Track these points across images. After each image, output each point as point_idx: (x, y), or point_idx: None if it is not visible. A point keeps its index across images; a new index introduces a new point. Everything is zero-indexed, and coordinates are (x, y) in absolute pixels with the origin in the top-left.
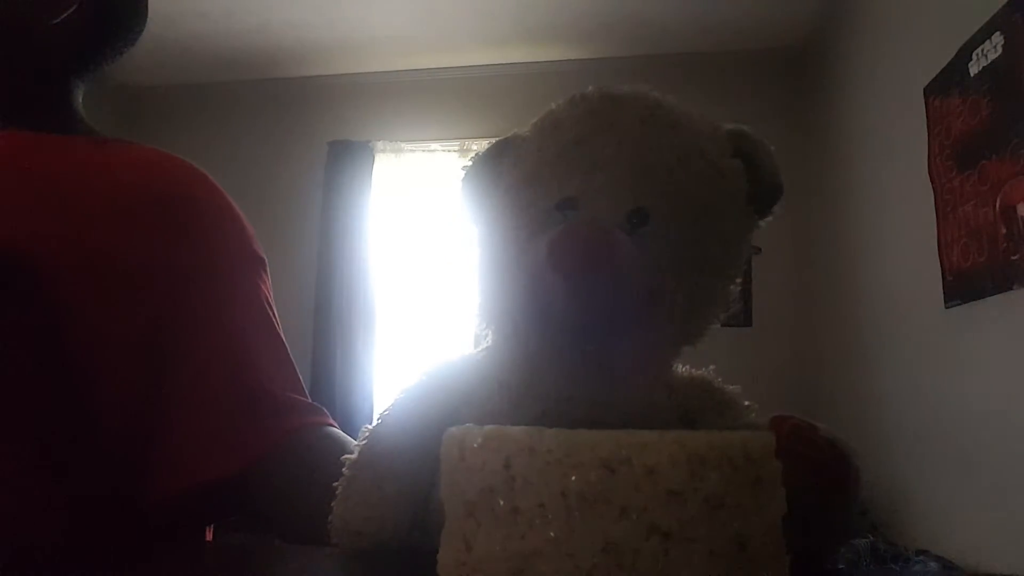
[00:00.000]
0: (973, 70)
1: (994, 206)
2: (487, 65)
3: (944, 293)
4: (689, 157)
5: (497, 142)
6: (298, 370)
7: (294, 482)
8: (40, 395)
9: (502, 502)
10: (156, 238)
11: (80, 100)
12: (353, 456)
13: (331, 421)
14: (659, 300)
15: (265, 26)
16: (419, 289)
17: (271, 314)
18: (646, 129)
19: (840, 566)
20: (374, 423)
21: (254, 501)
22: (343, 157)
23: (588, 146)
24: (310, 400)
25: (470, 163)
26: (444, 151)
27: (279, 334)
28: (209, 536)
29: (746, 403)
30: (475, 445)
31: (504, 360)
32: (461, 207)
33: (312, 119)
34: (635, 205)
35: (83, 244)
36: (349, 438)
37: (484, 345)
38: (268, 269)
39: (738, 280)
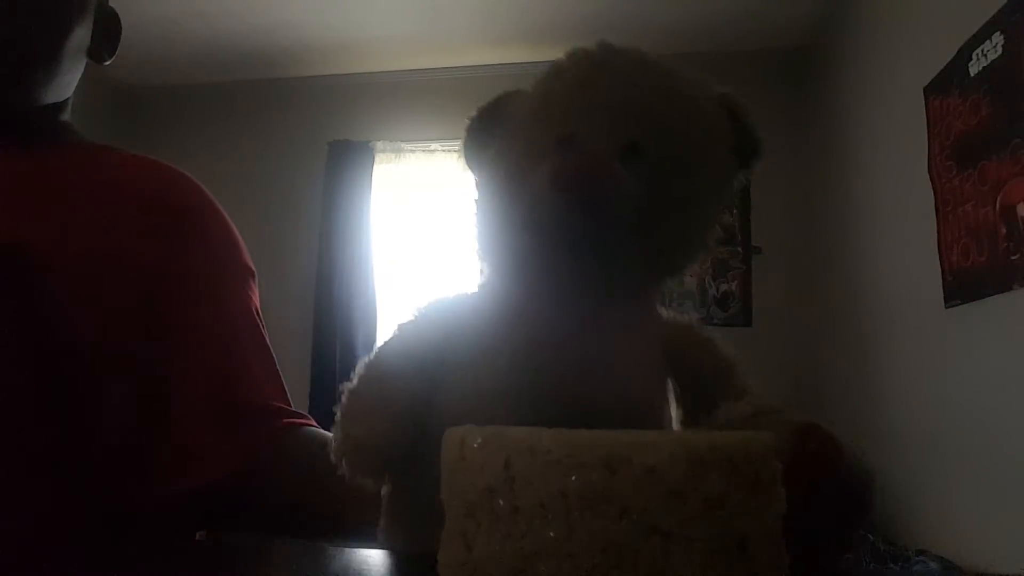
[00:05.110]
0: (973, 70)
1: (994, 206)
2: (487, 65)
3: (944, 293)
4: (680, 101)
5: (498, 96)
6: (283, 378)
7: (283, 480)
8: (37, 396)
9: (502, 502)
10: (151, 245)
11: (69, 108)
12: (353, 383)
13: (312, 423)
14: (649, 225)
15: (265, 26)
16: (419, 289)
17: (259, 324)
18: (642, 74)
19: (840, 566)
20: (372, 355)
21: (243, 505)
22: (343, 157)
23: (588, 88)
24: (293, 407)
25: (474, 114)
26: (444, 151)
27: (267, 344)
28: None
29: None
30: (475, 445)
31: (500, 291)
32: (464, 157)
33: (312, 119)
34: (629, 140)
35: (83, 248)
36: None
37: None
38: (257, 279)
39: (718, 228)
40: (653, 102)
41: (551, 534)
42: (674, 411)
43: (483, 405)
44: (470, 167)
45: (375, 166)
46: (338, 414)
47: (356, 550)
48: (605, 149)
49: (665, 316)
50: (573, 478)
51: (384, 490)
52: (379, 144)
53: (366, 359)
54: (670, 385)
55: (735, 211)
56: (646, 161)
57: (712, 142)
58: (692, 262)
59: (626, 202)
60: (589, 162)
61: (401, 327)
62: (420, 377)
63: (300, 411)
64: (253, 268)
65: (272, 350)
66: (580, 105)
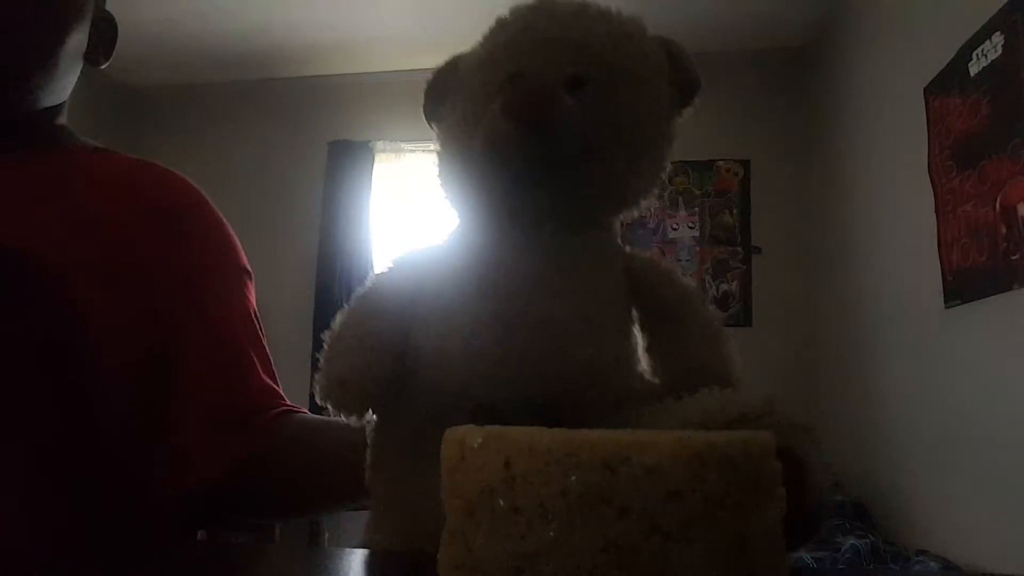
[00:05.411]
0: (973, 70)
1: (994, 206)
2: None
3: (944, 293)
4: (617, 38)
5: (450, 58)
6: (283, 378)
7: (277, 468)
8: (45, 397)
9: (502, 502)
10: (149, 247)
11: (65, 111)
12: (333, 329)
13: (304, 410)
14: (598, 153)
15: (265, 26)
16: None
17: (257, 324)
18: (582, 14)
19: (840, 566)
20: (350, 304)
21: (239, 496)
22: (343, 157)
23: (531, 30)
24: (288, 402)
25: (430, 76)
26: None
27: (263, 344)
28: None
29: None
30: (475, 445)
31: (467, 231)
32: (425, 115)
33: (312, 119)
34: (572, 73)
35: (84, 252)
36: (319, 417)
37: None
38: (253, 279)
39: (667, 163)
40: (593, 38)
41: (551, 534)
42: (639, 339)
43: (455, 335)
44: (430, 123)
45: (375, 166)
46: (321, 359)
47: (355, 550)
48: (551, 81)
49: (627, 249)
50: (573, 478)
51: (368, 429)
52: (379, 144)
53: (344, 309)
54: (635, 313)
55: (735, 211)
56: (590, 92)
57: (652, 74)
58: (645, 195)
59: (573, 127)
60: (536, 90)
61: (377, 276)
62: (397, 318)
63: (294, 405)
64: (249, 268)
65: (268, 350)
66: (525, 45)
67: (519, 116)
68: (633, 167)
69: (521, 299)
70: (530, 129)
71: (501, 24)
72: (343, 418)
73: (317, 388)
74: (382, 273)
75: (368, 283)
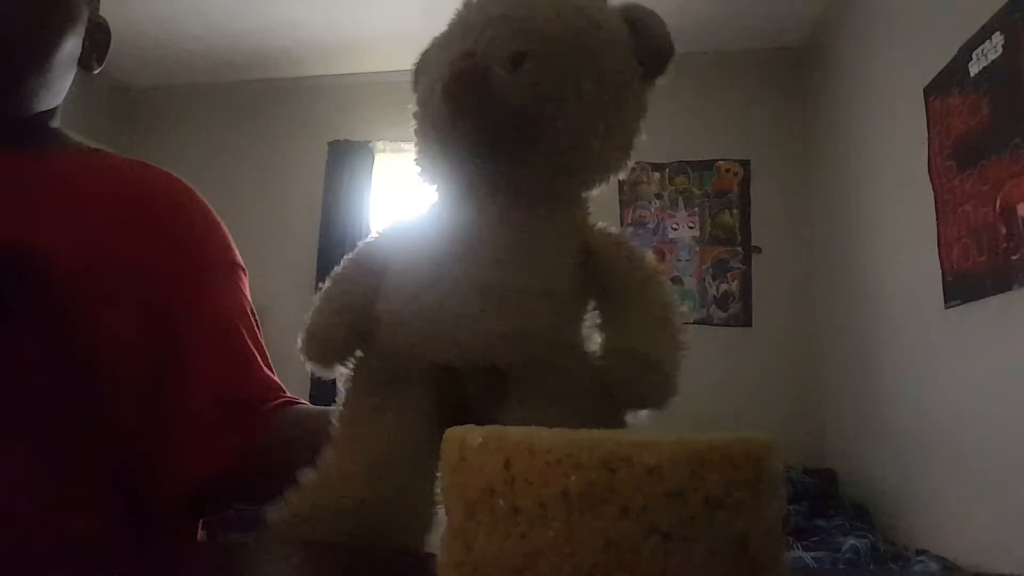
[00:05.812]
0: (973, 70)
1: (994, 206)
2: None
3: (944, 293)
4: (566, 13)
5: (433, 39)
6: (283, 376)
7: (270, 459)
8: (50, 395)
9: (502, 502)
10: (147, 245)
11: (59, 114)
12: (319, 295)
13: (302, 401)
14: (542, 125)
15: (265, 26)
16: None
17: (253, 317)
18: None
19: (840, 566)
20: (335, 272)
21: (255, 482)
22: (343, 157)
23: (482, 10)
24: (286, 392)
25: (416, 59)
26: None
27: (260, 337)
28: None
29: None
30: (475, 445)
31: (438, 205)
32: (414, 87)
33: (312, 119)
34: (516, 49)
35: (85, 252)
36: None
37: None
38: (247, 275)
39: (635, 135)
40: (536, 12)
41: (551, 534)
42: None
43: (400, 297)
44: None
45: (375, 166)
46: (307, 318)
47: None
48: (494, 61)
49: (594, 225)
50: (573, 478)
51: (339, 382)
52: (379, 144)
53: (330, 275)
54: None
55: (735, 211)
56: (529, 65)
57: (602, 45)
58: (613, 167)
59: (506, 101)
60: (467, 68)
61: (363, 243)
62: (368, 282)
63: (291, 397)
64: (243, 265)
65: (264, 346)
66: (476, 26)
67: (450, 94)
68: (584, 139)
69: (464, 264)
70: (460, 106)
71: (465, 5)
72: (315, 369)
73: (300, 345)
74: (368, 241)
75: (353, 251)
